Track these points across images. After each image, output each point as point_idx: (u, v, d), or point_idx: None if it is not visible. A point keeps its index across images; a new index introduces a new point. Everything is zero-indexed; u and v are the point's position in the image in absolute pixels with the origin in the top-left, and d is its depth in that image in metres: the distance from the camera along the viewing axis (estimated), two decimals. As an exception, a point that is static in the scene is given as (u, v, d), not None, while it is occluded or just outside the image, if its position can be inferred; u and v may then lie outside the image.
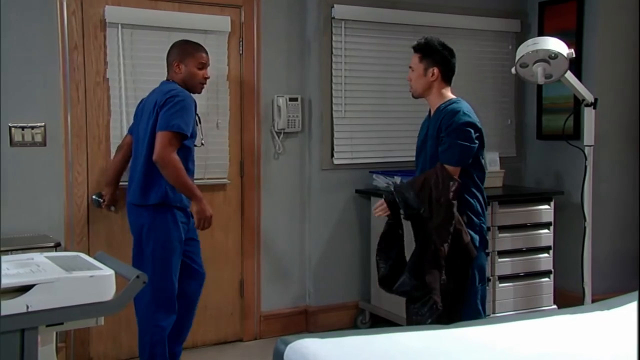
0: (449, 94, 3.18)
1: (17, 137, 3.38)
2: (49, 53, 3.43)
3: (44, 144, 3.44)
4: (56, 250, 3.21)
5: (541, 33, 4.64)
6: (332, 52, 4.10)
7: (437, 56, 3.12)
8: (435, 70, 3.12)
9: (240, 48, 3.89)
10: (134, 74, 3.62)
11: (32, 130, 3.41)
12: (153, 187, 3.11)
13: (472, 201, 3.09)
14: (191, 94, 3.20)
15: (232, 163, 3.91)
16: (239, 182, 3.94)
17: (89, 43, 3.52)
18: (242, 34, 3.89)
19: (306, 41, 4.08)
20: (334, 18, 4.08)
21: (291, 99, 4.02)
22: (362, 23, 4.17)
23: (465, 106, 3.10)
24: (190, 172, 3.18)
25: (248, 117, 3.94)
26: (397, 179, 4.04)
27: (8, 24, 3.31)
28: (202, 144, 3.50)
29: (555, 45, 3.19)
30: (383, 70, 4.26)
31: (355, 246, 4.25)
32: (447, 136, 3.03)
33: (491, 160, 4.44)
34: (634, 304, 1.96)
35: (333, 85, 4.13)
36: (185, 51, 3.24)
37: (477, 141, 3.06)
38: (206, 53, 3.31)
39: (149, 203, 3.12)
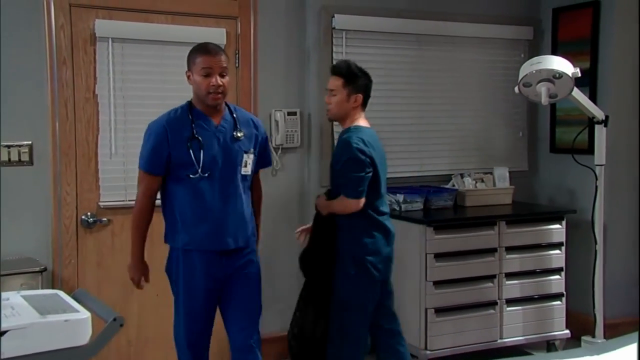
0: (360, 121, 3.31)
1: (3, 156, 3.43)
2: (37, 68, 3.48)
3: (31, 162, 3.49)
4: (42, 275, 3.29)
5: (555, 41, 4.65)
6: (332, 64, 4.13)
7: (361, 83, 3.27)
8: (359, 97, 3.27)
9: (237, 61, 3.93)
10: (124, 90, 3.67)
11: (19, 149, 3.48)
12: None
13: (367, 241, 3.23)
14: (169, 120, 2.89)
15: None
16: (235, 200, 3.98)
17: (78, 58, 3.57)
18: (238, 46, 3.93)
19: (305, 53, 4.11)
20: (334, 28, 4.11)
21: (290, 113, 4.06)
22: (364, 33, 4.20)
23: (356, 136, 3.21)
24: (200, 208, 2.85)
25: (244, 133, 3.98)
26: (400, 197, 4.08)
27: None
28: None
29: (560, 64, 3.20)
30: (386, 82, 4.28)
31: (356, 266, 4.29)
32: (342, 169, 3.19)
33: (500, 176, 4.46)
34: (627, 349, 1.98)
35: (333, 99, 4.16)
36: (189, 57, 2.91)
37: (370, 168, 3.19)
38: (216, 55, 2.85)
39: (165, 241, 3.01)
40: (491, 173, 4.49)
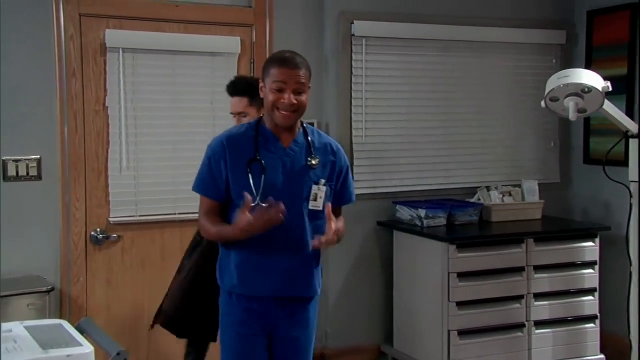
0: None
1: (11, 172, 3.50)
2: (46, 80, 3.55)
3: (39, 177, 3.56)
4: (50, 295, 3.36)
5: (590, 45, 4.61)
6: (352, 72, 4.14)
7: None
8: None
9: (252, 70, 3.96)
10: (136, 102, 3.72)
11: (27, 163, 3.54)
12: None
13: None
14: (229, 137, 2.58)
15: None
16: (250, 215, 4.01)
17: (89, 69, 3.63)
18: (253, 55, 3.95)
19: (324, 61, 4.12)
20: (354, 35, 4.12)
21: (307, 124, 4.08)
22: (385, 40, 4.20)
23: None
24: (253, 242, 2.47)
25: (259, 145, 4.01)
26: (422, 212, 4.08)
27: (1, 50, 3.42)
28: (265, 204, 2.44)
29: (589, 78, 3.15)
30: (408, 91, 4.29)
31: (376, 283, 4.30)
32: None
33: (529, 190, 4.43)
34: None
35: (353, 109, 4.17)
36: (264, 67, 2.57)
37: None
38: (294, 68, 2.47)
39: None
40: (520, 186, 4.45)
